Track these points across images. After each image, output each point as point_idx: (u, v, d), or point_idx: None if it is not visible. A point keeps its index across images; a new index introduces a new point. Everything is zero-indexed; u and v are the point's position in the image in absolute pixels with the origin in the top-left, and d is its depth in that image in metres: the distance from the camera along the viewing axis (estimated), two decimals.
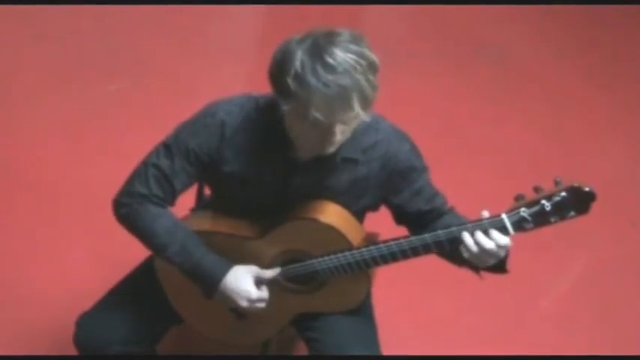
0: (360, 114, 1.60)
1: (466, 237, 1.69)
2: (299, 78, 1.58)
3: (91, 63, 3.75)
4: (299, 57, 1.58)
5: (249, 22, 4.49)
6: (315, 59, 1.57)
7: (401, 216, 1.92)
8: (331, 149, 1.71)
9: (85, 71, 3.69)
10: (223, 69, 3.87)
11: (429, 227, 1.81)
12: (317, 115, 1.59)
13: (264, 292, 1.87)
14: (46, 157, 3.19)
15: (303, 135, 1.69)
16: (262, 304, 1.88)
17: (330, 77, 1.56)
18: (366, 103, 1.60)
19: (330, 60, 1.57)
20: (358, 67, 1.58)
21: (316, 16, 4.29)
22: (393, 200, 1.88)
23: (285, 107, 1.63)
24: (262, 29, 4.54)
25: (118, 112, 3.49)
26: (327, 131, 1.64)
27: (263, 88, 1.88)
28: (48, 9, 3.98)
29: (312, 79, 1.57)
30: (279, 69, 1.62)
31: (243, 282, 1.85)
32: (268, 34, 4.42)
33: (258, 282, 1.87)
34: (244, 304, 1.86)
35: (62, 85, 3.58)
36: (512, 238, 1.69)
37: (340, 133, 1.65)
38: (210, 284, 1.85)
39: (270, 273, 1.88)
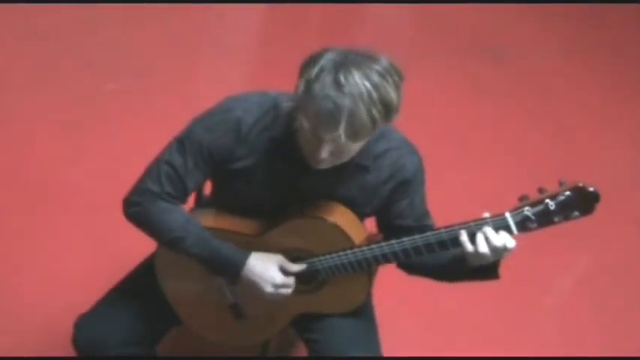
0: (342, 138, 1.57)
1: (464, 236, 1.69)
2: (308, 83, 1.58)
3: (89, 62, 3.73)
4: (321, 65, 1.58)
5: (248, 21, 4.47)
6: (330, 72, 1.56)
7: (387, 226, 1.90)
8: (319, 165, 1.69)
9: (82, 70, 3.68)
10: (222, 68, 3.86)
11: None
12: (304, 122, 1.60)
13: (290, 279, 1.85)
14: (43, 157, 3.18)
15: (301, 138, 1.68)
16: (287, 291, 1.85)
17: (332, 93, 1.55)
18: (353, 131, 1.58)
19: (341, 78, 1.55)
20: (366, 96, 1.55)
21: (317, 16, 4.28)
22: (389, 210, 1.87)
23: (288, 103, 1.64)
24: (262, 28, 4.53)
25: (116, 112, 3.47)
26: (315, 145, 1.63)
27: (261, 87, 1.86)
28: (45, 7, 3.97)
29: (316, 88, 1.56)
30: (303, 66, 1.62)
31: (269, 267, 1.83)
32: (268, 33, 4.42)
33: (283, 272, 1.85)
34: (269, 289, 1.83)
35: (59, 85, 3.56)
36: (516, 238, 1.68)
37: (327, 153, 1.64)
38: (233, 268, 1.83)
39: (296, 267, 1.86)
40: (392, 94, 1.58)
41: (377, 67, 1.58)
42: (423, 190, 1.89)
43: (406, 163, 1.82)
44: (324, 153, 1.63)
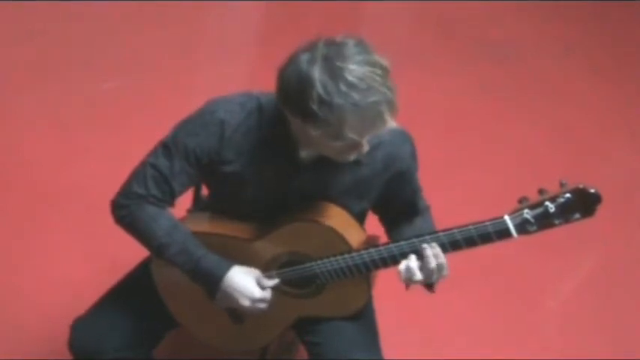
0: (391, 123, 1.60)
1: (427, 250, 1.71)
2: (326, 103, 1.54)
3: (86, 60, 3.72)
4: (318, 80, 1.54)
5: (247, 18, 4.46)
6: (336, 79, 1.54)
7: (379, 209, 1.94)
8: (352, 158, 1.72)
9: (80, 69, 3.67)
10: (221, 66, 3.85)
11: (404, 221, 1.91)
12: (352, 135, 1.58)
13: (266, 293, 1.85)
14: (39, 156, 3.17)
15: (330, 151, 1.68)
16: (264, 305, 1.86)
17: (356, 96, 1.54)
18: (394, 111, 1.59)
19: (350, 78, 1.54)
20: (377, 77, 1.56)
21: (316, 13, 4.27)
22: (394, 200, 1.89)
23: (315, 132, 1.60)
24: (261, 26, 4.52)
25: (114, 111, 3.46)
26: (358, 144, 1.64)
27: (261, 86, 1.85)
28: (42, 5, 3.96)
29: (339, 101, 1.54)
30: (299, 95, 1.57)
31: (246, 281, 1.83)
32: (267, 30, 4.41)
33: (260, 286, 1.85)
34: (246, 303, 1.83)
35: (57, 83, 3.55)
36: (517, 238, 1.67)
37: (367, 144, 1.67)
38: (211, 283, 1.83)
39: (271, 282, 1.86)
40: (381, 60, 1.59)
41: (352, 48, 1.57)
42: (417, 174, 1.92)
43: (400, 153, 1.83)
44: (366, 146, 1.66)
